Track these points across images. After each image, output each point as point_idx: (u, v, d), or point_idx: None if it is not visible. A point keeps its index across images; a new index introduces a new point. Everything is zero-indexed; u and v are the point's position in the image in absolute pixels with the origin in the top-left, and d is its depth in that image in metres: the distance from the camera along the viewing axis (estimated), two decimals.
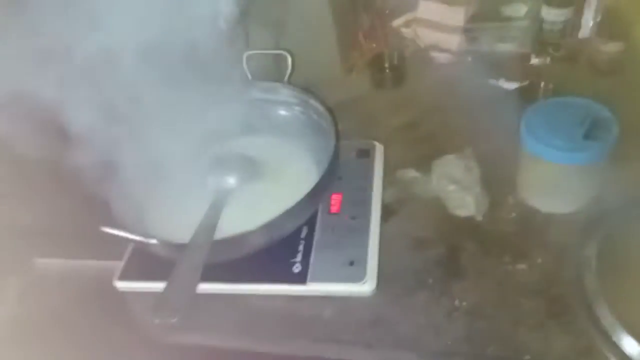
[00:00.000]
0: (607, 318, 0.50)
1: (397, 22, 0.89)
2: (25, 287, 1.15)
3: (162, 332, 0.63)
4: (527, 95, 0.68)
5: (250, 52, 0.72)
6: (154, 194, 0.67)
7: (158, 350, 0.67)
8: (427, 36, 0.84)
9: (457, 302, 0.56)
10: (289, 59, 0.69)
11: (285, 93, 0.70)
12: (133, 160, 0.65)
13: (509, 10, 0.85)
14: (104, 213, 0.66)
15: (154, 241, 0.51)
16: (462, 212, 0.63)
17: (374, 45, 0.89)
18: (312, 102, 0.68)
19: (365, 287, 0.56)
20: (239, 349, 0.61)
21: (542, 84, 0.67)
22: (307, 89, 0.71)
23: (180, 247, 0.52)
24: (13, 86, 0.53)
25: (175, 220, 0.64)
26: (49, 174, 0.85)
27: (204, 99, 0.70)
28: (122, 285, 0.62)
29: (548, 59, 0.79)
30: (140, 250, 0.64)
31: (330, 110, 0.65)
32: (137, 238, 0.52)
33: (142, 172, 0.65)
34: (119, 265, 0.65)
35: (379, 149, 0.71)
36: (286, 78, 0.70)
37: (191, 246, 0.52)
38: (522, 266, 0.58)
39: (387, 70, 0.86)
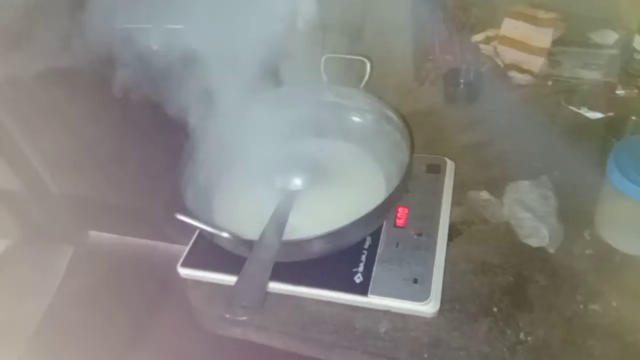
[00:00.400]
0: None
1: (476, 38, 0.87)
2: (78, 257, 1.19)
3: (215, 323, 0.64)
4: (612, 128, 0.65)
5: (330, 56, 0.71)
6: (223, 186, 0.68)
7: (207, 339, 0.68)
8: (508, 55, 0.82)
9: (522, 336, 0.54)
10: (368, 65, 0.68)
11: (360, 99, 0.69)
12: (208, 152, 0.66)
13: (597, 37, 0.82)
14: (167, 197, 0.68)
15: (225, 234, 0.51)
16: (534, 242, 0.61)
17: (450, 58, 0.87)
18: (387, 111, 0.66)
19: (428, 308, 0.55)
20: (288, 351, 0.61)
21: (633, 118, 0.64)
22: (381, 98, 0.70)
23: (250, 244, 0.52)
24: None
25: (241, 215, 0.64)
26: (116, 151, 0.88)
27: (280, 98, 0.70)
28: (184, 272, 0.63)
29: (635, 91, 0.76)
30: (204, 240, 0.65)
31: (406, 123, 0.63)
32: (210, 229, 0.52)
33: (215, 164, 0.66)
34: (173, 249, 0.66)
35: (450, 166, 0.69)
36: (363, 84, 0.69)
37: (261, 244, 0.52)
38: (594, 307, 0.55)
39: (462, 86, 0.83)
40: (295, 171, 0.66)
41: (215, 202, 0.66)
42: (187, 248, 0.65)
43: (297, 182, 0.65)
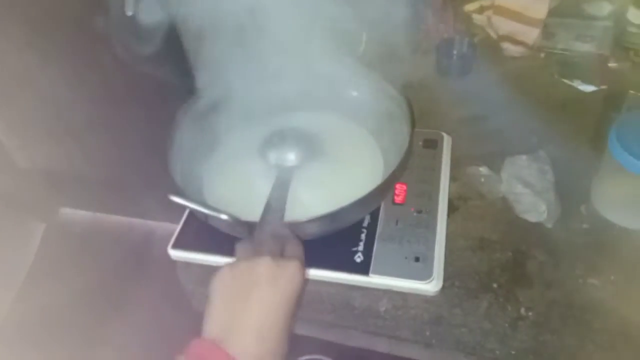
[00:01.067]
0: None
1: (469, 7, 0.85)
2: (50, 234, 1.14)
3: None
4: (610, 102, 0.65)
5: (323, 25, 0.68)
6: (213, 164, 0.65)
7: (189, 317, 0.66)
8: (503, 26, 0.80)
9: (523, 311, 0.54)
10: (364, 37, 0.65)
11: (355, 71, 0.67)
12: (195, 127, 0.63)
13: (591, 8, 0.81)
14: (145, 171, 0.64)
15: (224, 217, 0.49)
16: (532, 217, 0.60)
17: (443, 27, 0.85)
18: (385, 84, 0.64)
19: (431, 286, 0.54)
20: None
21: (631, 92, 0.63)
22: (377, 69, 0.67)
23: (249, 225, 0.50)
24: None
25: (232, 193, 0.61)
26: (91, 120, 0.83)
27: (271, 69, 0.67)
28: (175, 254, 0.60)
29: (628, 64, 0.75)
30: (195, 220, 0.62)
31: (405, 97, 0.61)
32: (207, 211, 0.49)
33: (202, 140, 0.63)
34: (149, 225, 0.63)
35: (447, 140, 0.68)
36: (359, 56, 0.66)
37: (262, 224, 0.50)
38: (593, 281, 0.55)
39: (455, 58, 0.82)
40: (288, 146, 0.63)
41: (204, 180, 0.64)
42: (178, 229, 0.62)
43: (291, 157, 0.63)
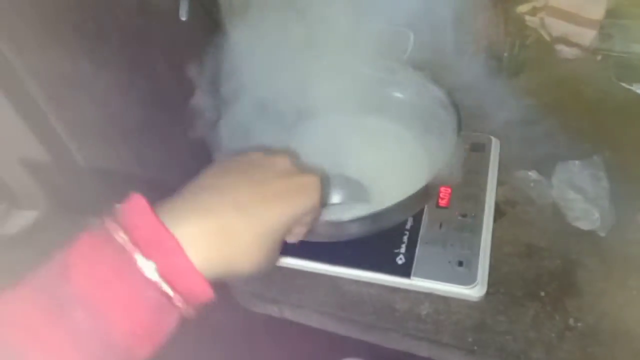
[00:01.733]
0: None
1: (522, 9, 0.82)
2: None
3: (250, 299, 0.63)
4: None
5: (370, 25, 0.68)
6: None
7: (242, 316, 0.68)
8: (557, 27, 0.77)
9: (571, 321, 0.52)
10: (412, 37, 0.65)
11: (403, 74, 0.66)
12: (240, 124, 0.64)
13: None
14: (194, 170, 0.66)
15: None
16: (584, 225, 0.58)
17: (493, 30, 0.83)
18: (432, 87, 0.64)
19: (474, 292, 0.53)
20: (325, 331, 0.60)
21: None
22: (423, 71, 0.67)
23: None
24: None
25: None
26: (142, 123, 0.87)
27: (317, 69, 0.67)
28: None
29: None
30: None
31: (453, 99, 0.60)
32: None
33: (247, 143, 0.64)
34: None
35: (495, 144, 0.66)
36: (406, 57, 0.66)
37: None
38: None
39: (505, 59, 0.80)
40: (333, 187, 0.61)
41: None
42: None
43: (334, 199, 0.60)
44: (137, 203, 0.31)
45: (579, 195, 0.59)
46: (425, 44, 0.76)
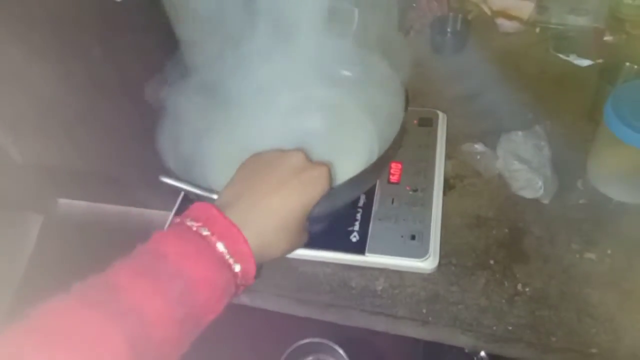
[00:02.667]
0: None
1: None
2: (48, 225, 1.14)
3: None
4: (606, 74, 0.64)
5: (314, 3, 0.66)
6: (212, 148, 0.64)
7: None
8: (497, 1, 0.79)
9: (520, 287, 0.54)
10: (356, 13, 0.64)
11: (348, 51, 0.66)
12: (187, 113, 0.62)
13: None
14: (140, 161, 0.63)
15: (215, 196, 0.48)
16: (529, 193, 0.60)
17: (435, 5, 0.83)
18: (377, 64, 0.63)
19: (427, 264, 0.54)
20: (284, 314, 0.60)
21: (627, 63, 0.63)
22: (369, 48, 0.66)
23: None
24: None
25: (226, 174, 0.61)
26: (82, 113, 0.83)
27: (261, 47, 0.65)
28: None
29: (624, 37, 0.74)
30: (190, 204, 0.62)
31: (400, 78, 0.60)
32: (198, 191, 0.49)
33: (197, 125, 0.62)
34: (147, 213, 0.63)
35: (442, 118, 0.67)
36: (351, 33, 0.65)
37: None
38: (590, 256, 0.55)
39: (449, 35, 0.80)
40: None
41: (206, 166, 0.63)
42: (171, 214, 0.62)
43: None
44: (207, 207, 0.40)
45: (523, 165, 0.60)
46: (369, 21, 0.76)
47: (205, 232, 0.38)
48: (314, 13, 0.65)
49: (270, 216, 0.41)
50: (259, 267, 0.41)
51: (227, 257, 0.38)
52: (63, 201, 1.13)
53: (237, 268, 0.39)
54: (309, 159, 0.45)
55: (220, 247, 0.38)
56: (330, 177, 0.45)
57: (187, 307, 0.36)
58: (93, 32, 0.69)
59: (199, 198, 0.52)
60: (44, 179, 1.04)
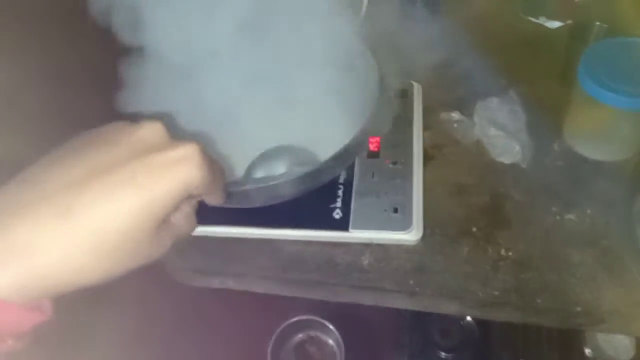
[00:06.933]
0: None
1: None
2: None
3: (189, 275, 0.61)
4: (577, 35, 0.64)
5: None
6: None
7: (185, 293, 0.66)
8: None
9: (503, 252, 0.55)
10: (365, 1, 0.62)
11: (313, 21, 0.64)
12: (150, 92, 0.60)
13: None
14: None
15: None
16: (506, 158, 0.60)
17: None
18: (346, 35, 0.62)
19: (411, 236, 0.54)
20: (272, 294, 0.60)
21: (597, 23, 0.63)
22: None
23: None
24: None
25: None
26: (49, 106, 0.80)
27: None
28: None
29: None
30: None
31: (371, 48, 0.59)
32: None
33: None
34: None
35: (417, 89, 0.67)
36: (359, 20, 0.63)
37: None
38: (570, 216, 0.56)
39: (418, 2, 0.79)
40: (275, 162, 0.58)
41: None
42: None
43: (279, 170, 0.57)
44: None
45: (500, 131, 0.60)
46: None
47: None
48: None
49: (60, 220, 0.26)
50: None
51: None
52: None
53: None
54: (170, 134, 0.30)
55: None
56: (204, 160, 0.30)
57: None
58: (50, 18, 0.66)
59: None
60: (9, 175, 1.01)
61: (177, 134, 0.31)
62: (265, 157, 0.58)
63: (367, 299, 0.57)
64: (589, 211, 0.56)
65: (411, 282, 0.54)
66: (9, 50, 0.68)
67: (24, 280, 0.25)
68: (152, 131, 0.30)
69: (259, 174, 0.56)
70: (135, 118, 0.32)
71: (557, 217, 0.56)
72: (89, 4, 0.54)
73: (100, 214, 0.26)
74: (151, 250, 0.30)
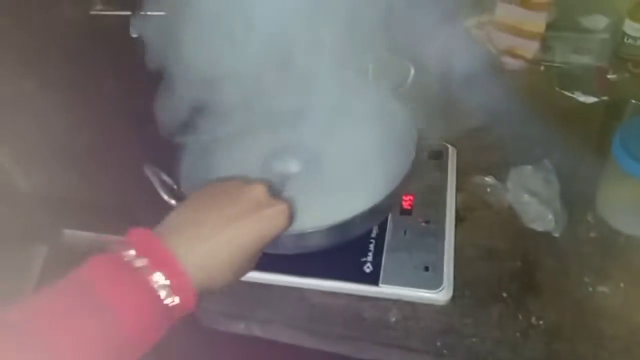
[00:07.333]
0: None
1: (468, 22, 0.86)
2: (53, 256, 1.13)
3: (215, 318, 0.61)
4: (612, 111, 0.66)
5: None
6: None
7: (209, 338, 0.66)
8: (502, 40, 0.81)
9: (533, 320, 0.54)
10: (412, 71, 0.66)
11: (358, 83, 0.67)
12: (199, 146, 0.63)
13: (588, 22, 0.82)
14: (147, 192, 0.65)
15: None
16: (539, 226, 0.60)
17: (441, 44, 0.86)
18: (387, 97, 0.65)
19: (441, 295, 0.54)
20: (296, 345, 0.60)
21: (633, 101, 0.64)
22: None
23: None
24: None
25: None
26: (90, 145, 0.84)
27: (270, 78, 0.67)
28: None
29: (627, 75, 0.77)
30: None
31: (410, 112, 0.62)
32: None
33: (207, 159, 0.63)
34: None
35: (452, 152, 0.68)
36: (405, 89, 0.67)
37: None
38: (603, 289, 0.55)
39: (455, 72, 0.82)
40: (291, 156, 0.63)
41: None
42: None
43: (293, 167, 0.62)
44: (145, 233, 0.38)
45: (533, 198, 0.61)
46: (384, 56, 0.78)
47: (140, 262, 0.36)
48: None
49: (217, 249, 0.39)
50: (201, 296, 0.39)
51: (162, 290, 0.35)
52: (68, 232, 1.13)
53: (173, 300, 0.36)
54: (271, 194, 0.43)
55: (157, 277, 0.35)
56: (291, 215, 0.44)
57: (113, 340, 0.33)
58: (107, 66, 0.71)
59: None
60: (50, 209, 1.05)
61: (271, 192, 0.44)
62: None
63: (393, 357, 0.56)
64: (622, 284, 0.55)
65: (439, 343, 0.53)
66: (64, 94, 0.73)
67: (200, 263, 0.38)
68: (259, 191, 0.43)
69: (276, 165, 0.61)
70: (246, 178, 0.45)
71: (590, 289, 0.55)
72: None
73: (237, 243, 0.40)
74: (248, 270, 0.44)
